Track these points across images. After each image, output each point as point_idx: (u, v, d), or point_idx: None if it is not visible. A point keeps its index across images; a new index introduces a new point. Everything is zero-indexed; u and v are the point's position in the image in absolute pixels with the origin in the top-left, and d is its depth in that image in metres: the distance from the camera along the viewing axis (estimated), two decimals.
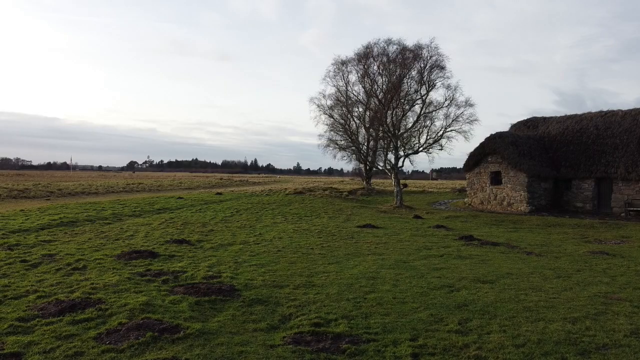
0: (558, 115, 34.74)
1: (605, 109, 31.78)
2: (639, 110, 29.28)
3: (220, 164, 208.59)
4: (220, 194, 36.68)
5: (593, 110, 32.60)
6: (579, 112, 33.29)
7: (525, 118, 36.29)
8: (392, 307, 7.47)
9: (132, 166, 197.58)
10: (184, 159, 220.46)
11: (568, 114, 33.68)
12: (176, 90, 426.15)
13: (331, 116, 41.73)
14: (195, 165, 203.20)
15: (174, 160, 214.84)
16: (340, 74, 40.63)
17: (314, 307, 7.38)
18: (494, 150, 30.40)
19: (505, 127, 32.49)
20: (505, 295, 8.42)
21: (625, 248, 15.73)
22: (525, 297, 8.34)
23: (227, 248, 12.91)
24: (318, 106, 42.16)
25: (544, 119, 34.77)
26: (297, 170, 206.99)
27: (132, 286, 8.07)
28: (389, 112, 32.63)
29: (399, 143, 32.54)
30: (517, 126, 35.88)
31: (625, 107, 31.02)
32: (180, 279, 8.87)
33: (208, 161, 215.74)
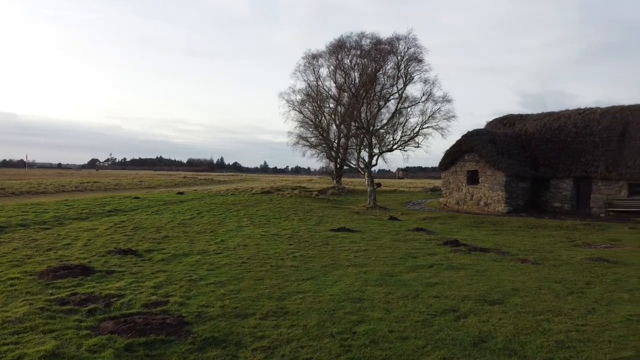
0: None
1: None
2: (618, 108, 28.57)
3: (185, 162, 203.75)
4: (181, 193, 34.30)
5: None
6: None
7: (498, 117, 35.39)
8: (391, 346, 5.70)
9: (93, 164, 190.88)
10: (149, 156, 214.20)
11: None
12: (142, 86, 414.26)
13: (301, 112, 39.94)
14: (160, 164, 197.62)
15: (138, 158, 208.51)
16: (311, 68, 38.89)
17: (288, 349, 5.53)
18: (471, 148, 29.18)
19: (473, 127, 31.39)
20: (525, 322, 6.79)
21: (620, 253, 14.54)
22: (549, 324, 6.74)
23: (182, 260, 10.90)
24: (287, 102, 40.32)
25: (520, 116, 33.82)
26: (264, 169, 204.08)
27: (43, 322, 6.01)
28: (363, 107, 31.00)
29: (373, 140, 30.93)
30: (493, 123, 34.84)
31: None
32: (113, 308, 6.84)
33: (173, 159, 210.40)
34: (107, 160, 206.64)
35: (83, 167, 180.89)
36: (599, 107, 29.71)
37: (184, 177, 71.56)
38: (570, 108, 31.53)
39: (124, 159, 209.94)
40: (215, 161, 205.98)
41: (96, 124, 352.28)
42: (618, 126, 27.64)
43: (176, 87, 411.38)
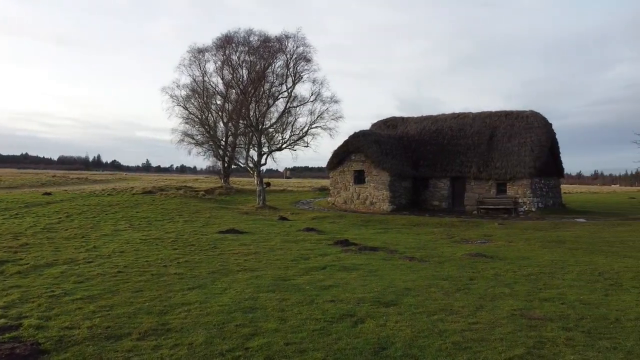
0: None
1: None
2: (487, 114, 31.13)
3: (56, 159, 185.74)
4: (49, 194, 30.73)
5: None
6: None
7: (381, 119, 36.80)
8: None
9: None
10: (11, 153, 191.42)
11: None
12: (2, 75, 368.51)
13: (186, 108, 37.97)
14: (25, 161, 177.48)
15: None
16: (197, 62, 37.18)
17: None
18: (357, 148, 29.89)
19: (355, 129, 32.33)
20: (421, 324, 6.69)
21: (494, 248, 15.58)
22: (444, 325, 6.71)
23: (43, 271, 9.41)
24: (171, 97, 38.07)
25: (402, 118, 35.47)
26: (147, 168, 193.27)
27: None
28: (252, 105, 30.25)
29: (262, 139, 30.35)
30: (378, 125, 36.14)
31: None
32: None
33: (41, 156, 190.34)
34: None
35: None
36: (471, 112, 32.13)
37: (53, 176, 64.76)
38: (446, 113, 33.74)
39: None
40: (91, 159, 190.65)
41: None
42: (487, 130, 30.13)
43: (42, 77, 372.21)
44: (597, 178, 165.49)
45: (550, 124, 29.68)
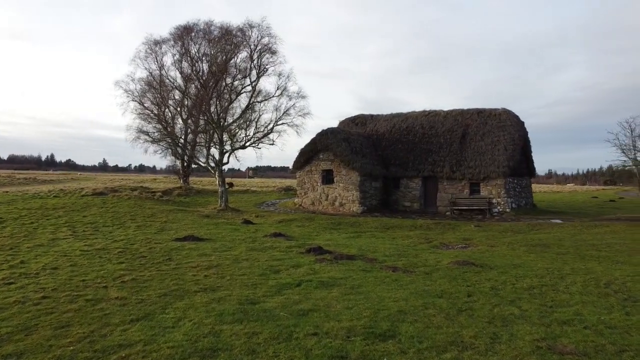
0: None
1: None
2: (459, 112, 30.16)
3: (6, 158, 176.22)
4: None
5: None
6: None
7: (349, 116, 35.45)
8: None
9: None
10: None
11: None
12: None
13: (141, 103, 35.37)
14: None
15: None
16: (153, 55, 34.61)
17: None
18: (326, 147, 28.34)
19: (319, 129, 30.80)
20: None
21: (478, 254, 14.39)
22: None
23: None
24: (126, 91, 35.35)
25: (371, 116, 34.16)
26: (104, 167, 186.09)
27: None
28: (213, 100, 28.18)
29: (224, 136, 28.33)
30: (346, 122, 34.73)
31: None
32: None
33: None
34: None
35: None
36: (442, 110, 31.08)
37: None
38: (416, 111, 32.62)
39: None
40: (44, 158, 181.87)
41: None
42: (459, 128, 29.14)
43: None
44: (551, 177, 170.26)
45: (523, 123, 28.96)
